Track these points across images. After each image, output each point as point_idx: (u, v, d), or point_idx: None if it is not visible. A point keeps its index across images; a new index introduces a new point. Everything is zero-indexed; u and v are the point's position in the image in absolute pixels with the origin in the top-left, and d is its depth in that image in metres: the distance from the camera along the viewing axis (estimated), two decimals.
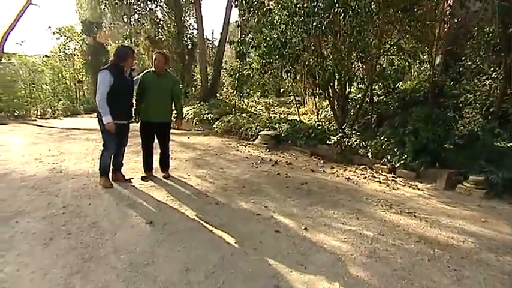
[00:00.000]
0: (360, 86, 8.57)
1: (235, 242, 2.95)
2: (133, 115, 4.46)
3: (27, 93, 14.73)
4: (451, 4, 6.35)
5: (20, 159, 5.63)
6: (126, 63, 3.96)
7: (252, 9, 6.01)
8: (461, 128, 7.01)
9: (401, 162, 4.80)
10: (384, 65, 6.43)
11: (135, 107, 4.44)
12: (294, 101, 11.68)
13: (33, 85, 15.19)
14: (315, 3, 4.89)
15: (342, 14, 4.84)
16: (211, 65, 13.01)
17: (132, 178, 4.57)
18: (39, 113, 13.83)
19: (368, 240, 3.06)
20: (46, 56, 18.43)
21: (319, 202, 3.90)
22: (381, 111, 8.31)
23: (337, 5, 4.76)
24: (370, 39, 5.46)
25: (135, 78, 4.39)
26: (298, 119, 8.41)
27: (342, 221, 3.43)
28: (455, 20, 7.94)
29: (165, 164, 4.73)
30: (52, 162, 5.50)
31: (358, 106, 6.71)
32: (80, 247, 2.82)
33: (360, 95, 8.53)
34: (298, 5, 5.21)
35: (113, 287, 2.31)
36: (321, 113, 9.46)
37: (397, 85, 9.36)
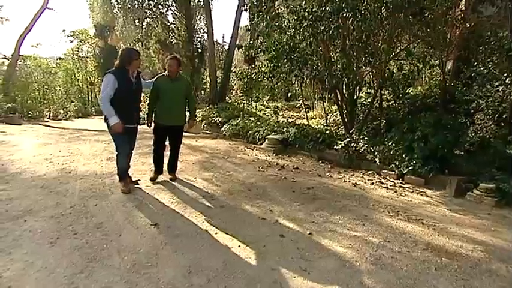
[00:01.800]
0: (369, 90, 8.51)
1: (239, 246, 2.94)
2: (146, 119, 4.58)
3: (40, 95, 15.07)
4: (463, 9, 6.26)
5: (31, 159, 5.73)
6: (131, 66, 3.90)
7: (261, 13, 6.04)
8: (473, 134, 6.89)
9: (410, 168, 4.73)
10: (393, 70, 6.35)
11: (147, 111, 4.53)
12: (302, 105, 11.66)
13: (46, 87, 15.55)
14: (323, 8, 4.88)
15: (351, 19, 4.82)
16: (221, 69, 13.08)
17: (139, 180, 4.59)
18: (51, 114, 14.10)
19: (373, 246, 3.01)
20: (60, 58, 18.83)
21: (325, 207, 3.86)
22: (390, 116, 8.23)
23: (345, 9, 4.74)
24: (379, 44, 5.41)
25: (146, 82, 4.45)
26: (306, 123, 8.38)
27: (348, 226, 3.39)
28: (467, 25, 7.85)
29: (173, 167, 4.76)
30: (62, 162, 5.59)
31: (366, 111, 6.64)
32: (85, 247, 2.84)
33: (369, 100, 8.46)
34: (306, 9, 5.20)
35: (116, 287, 2.32)
36: (330, 118, 9.39)
37: (407, 90, 9.28)
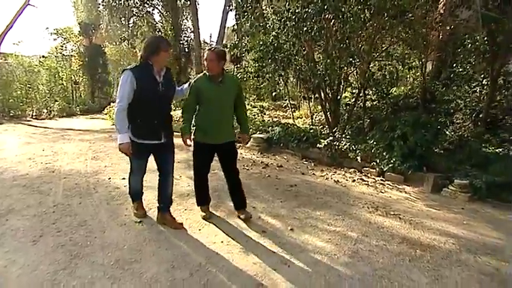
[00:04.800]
0: (354, 90, 8.70)
1: (222, 242, 3.01)
2: (181, 135, 3.27)
3: (23, 94, 14.75)
4: (441, 12, 6.48)
5: (13, 158, 5.67)
6: (158, 60, 2.88)
7: (246, 13, 6.11)
8: (452, 133, 7.15)
9: (390, 165, 4.89)
10: (373, 71, 6.53)
11: (183, 124, 3.30)
12: (289, 104, 11.80)
13: (29, 85, 15.22)
14: (306, 9, 4.99)
15: (333, 20, 4.95)
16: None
17: (181, 223, 3.32)
18: (34, 114, 13.84)
19: (352, 241, 3.12)
20: (43, 56, 18.43)
21: (307, 204, 3.97)
22: (373, 116, 8.43)
23: (327, 11, 4.86)
24: (359, 45, 5.56)
25: (185, 86, 3.34)
26: (291, 122, 8.50)
27: (328, 222, 3.50)
28: (447, 28, 8.12)
29: (241, 200, 3.50)
30: (45, 162, 5.54)
31: (350, 110, 6.80)
32: (68, 244, 2.87)
33: (353, 100, 8.66)
34: (290, 10, 5.32)
35: (99, 283, 2.36)
36: (316, 117, 9.54)
37: (390, 90, 9.52)
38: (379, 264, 2.76)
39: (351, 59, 5.52)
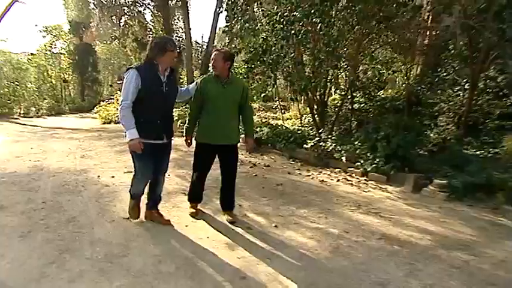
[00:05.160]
0: (342, 93, 8.90)
1: (208, 237, 3.11)
2: (184, 135, 3.44)
3: (10, 91, 14.61)
4: (425, 18, 6.70)
5: (1, 156, 5.67)
6: (163, 60, 2.88)
7: (236, 15, 6.24)
8: (436, 135, 7.38)
9: (373, 166, 5.05)
10: (358, 74, 6.72)
11: (188, 124, 3.42)
12: (279, 106, 11.96)
13: (17, 83, 15.09)
14: (294, 13, 5.14)
15: (320, 24, 5.11)
16: (199, 69, 13.18)
17: (169, 220, 3.38)
18: (22, 112, 13.73)
19: (333, 237, 3.26)
20: (31, 54, 18.28)
21: (292, 202, 4.09)
22: (361, 117, 8.64)
23: (314, 15, 5.01)
24: (345, 49, 5.74)
25: (192, 85, 3.40)
26: (280, 123, 8.64)
27: (311, 219, 3.63)
28: (433, 33, 8.38)
29: (230, 202, 3.53)
30: (34, 160, 5.57)
31: (339, 112, 6.98)
32: (57, 239, 2.94)
33: (341, 102, 8.87)
34: (279, 13, 5.46)
35: (87, 276, 2.44)
36: (305, 118, 9.71)
37: (377, 93, 9.76)
38: (358, 258, 2.89)
39: (336, 63, 5.68)
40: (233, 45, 6.95)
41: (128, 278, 2.46)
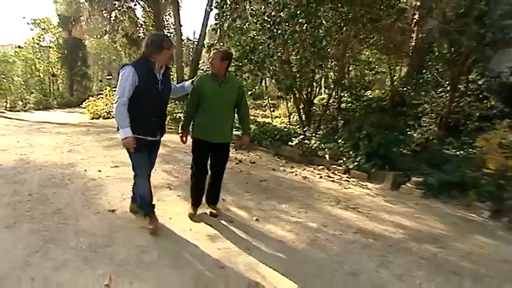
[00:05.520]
0: (330, 92, 9.08)
1: (190, 229, 3.21)
2: (180, 132, 3.45)
3: None
4: (409, 21, 6.89)
5: None
6: (159, 58, 2.88)
7: (225, 14, 6.33)
8: (420, 135, 7.61)
9: (355, 164, 5.22)
10: (345, 74, 6.89)
11: (183, 121, 3.48)
12: (268, 104, 12.10)
13: (3, 76, 14.87)
14: (280, 13, 5.26)
15: (305, 25, 5.24)
16: (190, 66, 13.20)
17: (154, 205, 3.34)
18: (8, 105, 13.56)
19: (312, 230, 3.40)
20: (19, 46, 18.01)
21: (274, 197, 4.23)
22: (348, 117, 8.84)
23: (300, 16, 5.14)
24: (330, 50, 5.89)
25: (188, 83, 3.42)
26: (266, 121, 8.78)
27: (292, 214, 3.77)
28: (414, 35, 8.60)
29: (215, 197, 3.61)
30: (20, 153, 5.57)
31: (323, 111, 7.14)
32: (42, 230, 3.01)
33: (330, 101, 9.06)
34: (266, 13, 5.57)
35: (71, 264, 2.53)
36: (293, 117, 9.86)
37: (364, 93, 9.98)
38: (333, 250, 3.04)
39: (321, 63, 5.82)
40: (221, 43, 7.04)
41: (111, 266, 2.55)
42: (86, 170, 4.82)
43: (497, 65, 7.77)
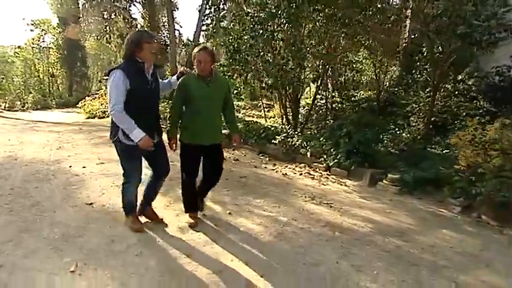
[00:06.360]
0: (323, 92, 9.20)
1: (162, 222, 3.33)
2: (168, 137, 3.22)
3: None
4: (389, 24, 6.98)
5: None
6: (143, 55, 2.76)
7: (211, 15, 6.46)
8: (408, 135, 7.71)
9: (335, 161, 5.32)
10: (330, 74, 7.01)
11: (169, 125, 3.28)
12: (262, 104, 12.20)
13: (2, 76, 15.09)
14: (261, 14, 5.39)
15: (286, 24, 5.36)
16: (184, 66, 13.35)
17: (163, 219, 3.36)
18: (7, 105, 13.76)
19: (281, 224, 3.51)
20: (18, 47, 18.24)
21: (251, 193, 4.34)
22: (338, 116, 8.95)
23: (280, 16, 5.25)
24: (309, 49, 6.00)
25: (173, 79, 3.25)
26: (260, 121, 8.91)
27: (265, 208, 3.88)
28: (407, 36, 8.71)
29: (203, 195, 3.54)
30: (9, 150, 5.73)
31: (311, 110, 7.26)
32: (18, 221, 3.15)
33: (323, 101, 9.19)
34: (249, 14, 5.70)
35: (40, 252, 2.66)
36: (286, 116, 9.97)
37: (356, 93, 10.10)
38: (298, 243, 3.14)
39: (300, 62, 5.94)
40: (209, 43, 7.18)
41: (79, 255, 2.68)
42: (71, 166, 4.96)
43: (486, 65, 7.90)
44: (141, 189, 3.20)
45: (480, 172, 4.10)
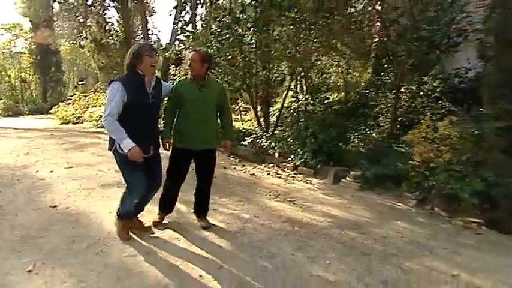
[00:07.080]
0: (299, 95, 9.45)
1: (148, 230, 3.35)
2: (161, 139, 3.20)
3: None
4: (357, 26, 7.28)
5: None
6: (143, 68, 2.78)
7: (181, 19, 6.56)
8: (377, 134, 8.02)
9: (302, 160, 5.51)
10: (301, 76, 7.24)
11: (163, 128, 3.28)
12: (239, 108, 12.35)
13: None
14: (224, 19, 5.56)
15: (251, 29, 5.54)
16: (160, 70, 13.35)
17: (150, 227, 3.32)
18: None
19: (243, 220, 3.63)
20: None
21: (217, 192, 4.42)
22: (311, 118, 9.20)
23: (244, 21, 5.43)
24: (272, 52, 6.21)
25: (169, 84, 3.29)
26: (236, 124, 9.02)
27: (229, 206, 4.01)
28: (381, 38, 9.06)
29: (204, 208, 3.48)
30: None
31: (281, 112, 7.46)
32: None
33: (296, 104, 9.43)
34: (217, 19, 5.85)
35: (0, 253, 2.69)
36: (262, 120, 10.13)
37: (328, 95, 10.39)
38: (258, 237, 3.27)
39: (265, 64, 6.12)
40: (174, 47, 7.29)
41: (38, 255, 2.73)
42: (37, 171, 4.94)
43: (449, 67, 8.36)
44: None
45: (432, 167, 4.36)
